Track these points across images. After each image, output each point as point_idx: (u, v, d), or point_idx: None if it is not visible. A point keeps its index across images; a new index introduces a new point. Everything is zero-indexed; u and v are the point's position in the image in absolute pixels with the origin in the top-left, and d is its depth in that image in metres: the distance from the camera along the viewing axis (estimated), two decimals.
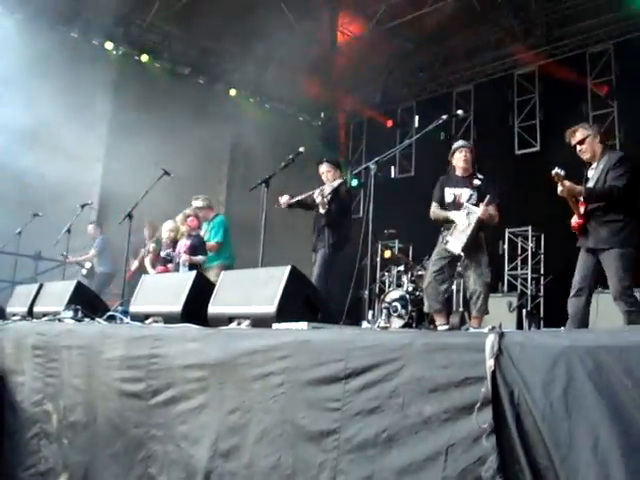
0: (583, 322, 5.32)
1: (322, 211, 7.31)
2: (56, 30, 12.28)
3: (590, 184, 5.37)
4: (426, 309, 6.91)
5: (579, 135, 5.49)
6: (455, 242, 6.42)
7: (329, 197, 7.35)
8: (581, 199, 5.34)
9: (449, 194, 6.77)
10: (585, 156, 5.47)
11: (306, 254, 8.42)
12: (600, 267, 5.28)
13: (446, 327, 6.51)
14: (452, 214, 6.58)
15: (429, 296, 6.67)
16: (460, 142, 7.09)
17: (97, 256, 11.01)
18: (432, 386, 2.42)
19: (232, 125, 15.39)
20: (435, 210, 6.83)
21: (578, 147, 5.47)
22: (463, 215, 6.45)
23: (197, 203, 8.80)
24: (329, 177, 7.55)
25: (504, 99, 13.37)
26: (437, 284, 6.59)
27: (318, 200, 7.29)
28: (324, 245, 7.24)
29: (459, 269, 7.14)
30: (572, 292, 5.37)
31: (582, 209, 5.34)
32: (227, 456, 3.24)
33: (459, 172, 6.87)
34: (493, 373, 2.21)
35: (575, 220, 5.39)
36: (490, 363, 2.22)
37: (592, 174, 5.44)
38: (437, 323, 6.65)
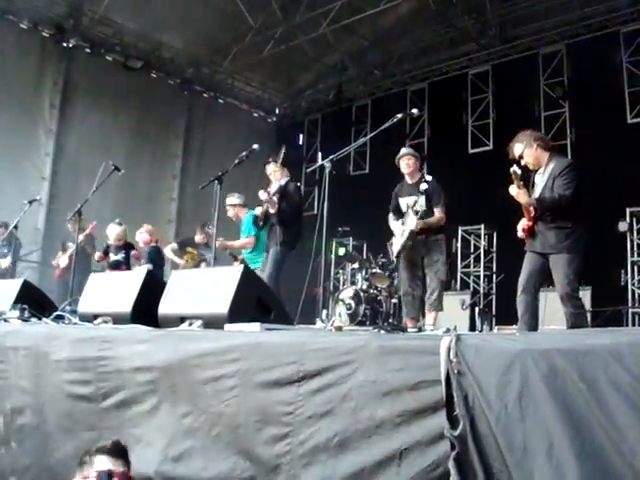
0: (533, 321, 5.36)
1: (272, 211, 7.32)
2: (5, 20, 11.96)
3: (538, 189, 5.42)
4: (404, 315, 7.15)
5: (516, 151, 5.55)
6: (395, 246, 7.08)
7: (278, 196, 7.32)
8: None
9: (403, 204, 7.08)
10: (530, 166, 5.53)
11: None
12: (546, 268, 5.33)
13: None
14: (392, 224, 7.19)
15: (407, 304, 7.09)
16: (403, 150, 7.30)
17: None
18: (386, 389, 2.39)
19: (185, 120, 15.22)
20: (390, 220, 7.26)
21: (522, 161, 5.53)
22: (399, 224, 7.07)
23: (231, 200, 8.35)
24: (277, 177, 7.51)
25: (458, 98, 13.46)
26: (412, 291, 7.03)
27: (264, 198, 7.29)
28: (275, 243, 7.22)
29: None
30: (518, 292, 5.42)
31: (532, 212, 5.38)
32: (179, 460, 3.18)
33: (408, 179, 7.15)
34: (447, 376, 2.18)
35: (525, 223, 5.43)
36: (444, 366, 2.20)
37: (539, 179, 5.49)
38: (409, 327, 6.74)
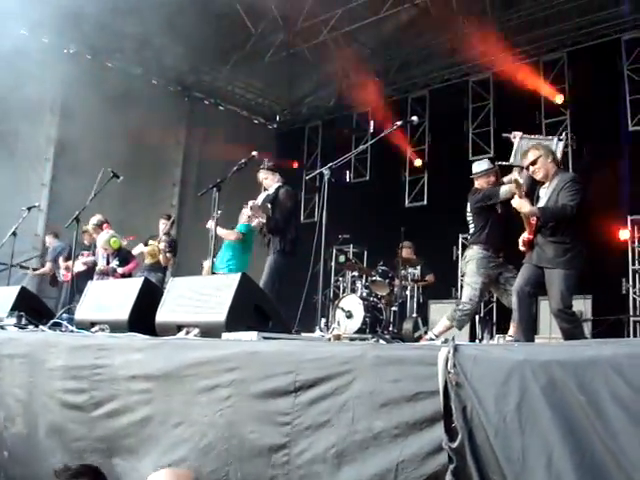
0: (528, 333, 5.30)
1: (263, 220, 7.19)
2: (4, 27, 11.92)
3: (541, 203, 5.38)
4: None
5: (531, 156, 5.48)
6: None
7: (269, 205, 7.17)
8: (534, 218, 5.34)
9: None
10: (538, 176, 5.46)
11: (260, 261, 8.30)
12: (542, 280, 5.28)
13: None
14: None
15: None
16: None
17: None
18: (383, 400, 2.36)
19: (185, 127, 15.20)
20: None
21: (531, 168, 5.46)
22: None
23: None
24: (268, 184, 7.36)
25: (459, 105, 13.43)
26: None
27: (248, 214, 7.33)
28: (273, 252, 7.09)
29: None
30: (513, 299, 5.39)
31: (533, 225, 5.34)
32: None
33: None
34: (445, 388, 2.15)
35: (525, 236, 5.39)
36: (442, 377, 2.16)
37: (543, 193, 5.45)
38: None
